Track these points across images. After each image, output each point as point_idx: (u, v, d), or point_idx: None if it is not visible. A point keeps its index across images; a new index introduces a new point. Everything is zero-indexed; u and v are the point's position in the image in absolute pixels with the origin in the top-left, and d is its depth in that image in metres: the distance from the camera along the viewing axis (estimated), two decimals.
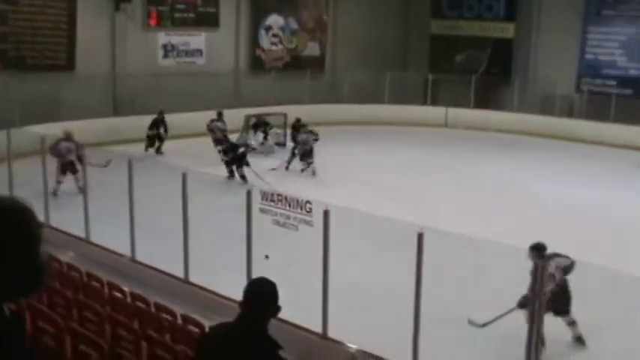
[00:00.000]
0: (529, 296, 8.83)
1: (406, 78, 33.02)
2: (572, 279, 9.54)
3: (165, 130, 23.47)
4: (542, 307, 7.97)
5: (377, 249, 13.44)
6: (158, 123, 23.43)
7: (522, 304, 9.26)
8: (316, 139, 21.32)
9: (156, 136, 23.45)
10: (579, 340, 9.91)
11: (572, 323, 9.85)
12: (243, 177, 19.44)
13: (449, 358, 9.52)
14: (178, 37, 27.88)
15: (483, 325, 9.65)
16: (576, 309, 9.75)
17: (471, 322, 9.69)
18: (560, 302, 9.54)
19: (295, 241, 10.43)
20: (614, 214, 17.73)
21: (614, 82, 30.24)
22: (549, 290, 8.96)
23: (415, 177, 20.80)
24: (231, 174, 19.76)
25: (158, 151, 23.35)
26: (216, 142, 22.34)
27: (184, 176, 11.23)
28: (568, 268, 9.49)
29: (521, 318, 8.82)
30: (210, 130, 22.99)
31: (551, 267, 9.17)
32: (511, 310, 9.38)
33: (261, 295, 4.26)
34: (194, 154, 21.57)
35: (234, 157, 19.94)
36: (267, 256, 11.12)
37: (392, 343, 8.92)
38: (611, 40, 30.52)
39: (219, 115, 23.20)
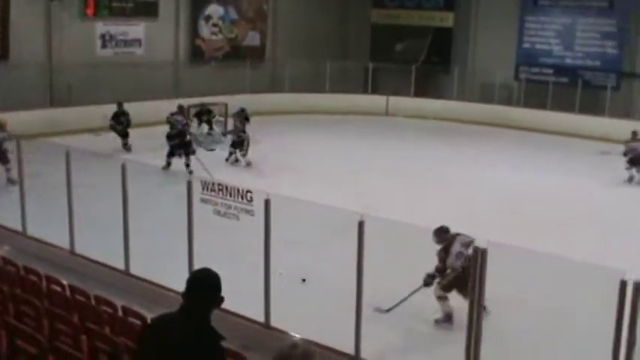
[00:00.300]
0: (435, 274, 9.99)
1: (347, 67, 33.11)
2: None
3: (127, 124, 22.49)
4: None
5: (318, 237, 13.47)
6: (119, 116, 22.44)
7: (427, 282, 10.06)
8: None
9: (118, 131, 22.40)
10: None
11: None
12: (188, 166, 19.26)
13: (390, 343, 9.58)
14: (117, 27, 27.39)
15: (388, 311, 9.95)
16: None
17: (376, 310, 9.92)
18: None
19: (237, 230, 10.35)
20: (550, 196, 18.09)
21: (550, 71, 30.81)
22: (460, 265, 9.75)
23: (356, 165, 20.85)
24: (168, 165, 19.50)
25: (125, 147, 22.23)
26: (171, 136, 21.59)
27: (124, 167, 11.07)
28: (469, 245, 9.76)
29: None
30: (170, 122, 21.92)
31: (457, 246, 9.89)
32: (417, 290, 9.95)
33: (204, 285, 4.22)
34: (139, 143, 21.34)
35: (181, 144, 19.65)
36: (281, 274, 10.63)
37: (335, 331, 8.95)
38: (547, 29, 31.08)
39: (180, 108, 22.52)
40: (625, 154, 20.63)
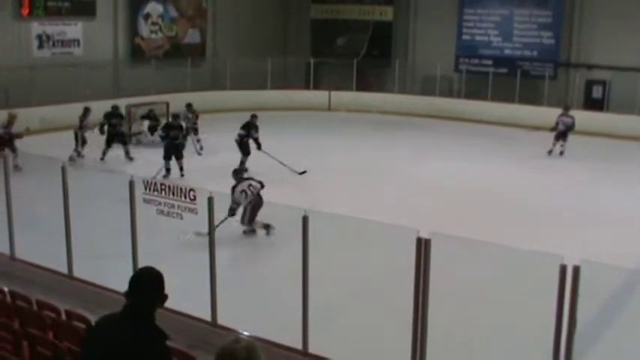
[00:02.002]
0: (233, 207, 13.02)
1: (288, 63, 33.14)
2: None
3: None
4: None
5: (261, 232, 13.50)
6: (112, 117, 21.31)
7: (229, 214, 12.90)
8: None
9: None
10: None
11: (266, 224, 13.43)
12: (182, 168, 19.21)
13: (339, 340, 9.62)
14: (53, 27, 26.90)
15: (198, 234, 11.09)
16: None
17: (196, 234, 11.22)
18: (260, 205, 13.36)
19: (180, 229, 10.30)
20: (491, 186, 18.34)
21: (490, 62, 31.21)
22: (245, 201, 13.22)
23: (299, 161, 20.84)
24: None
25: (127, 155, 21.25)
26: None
27: (64, 169, 10.90)
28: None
29: None
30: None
31: (244, 186, 13.37)
32: (224, 220, 12.13)
33: (147, 284, 4.20)
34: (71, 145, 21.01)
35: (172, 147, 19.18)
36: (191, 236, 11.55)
37: (283, 328, 8.95)
38: (486, 21, 31.47)
39: (189, 106, 22.28)
40: (552, 129, 22.19)
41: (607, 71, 28.57)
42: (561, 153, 22.53)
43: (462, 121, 27.86)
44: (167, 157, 18.96)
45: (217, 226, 10.27)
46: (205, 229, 9.59)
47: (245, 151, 20.14)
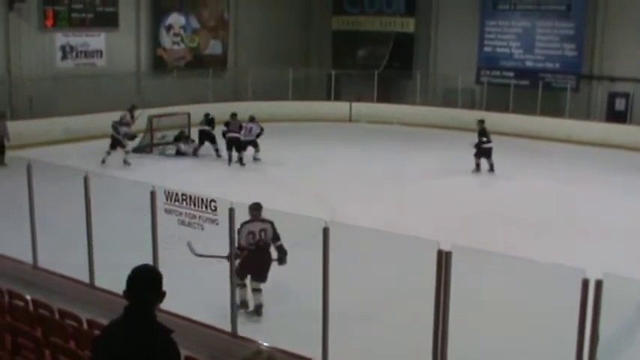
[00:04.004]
0: (237, 252, 9.90)
1: (309, 74, 33.21)
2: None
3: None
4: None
5: (285, 244, 13.46)
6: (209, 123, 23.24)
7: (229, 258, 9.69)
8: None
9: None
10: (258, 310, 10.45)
11: (258, 290, 10.43)
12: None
13: (359, 352, 9.59)
14: (77, 38, 27.15)
15: (198, 255, 10.02)
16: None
17: (189, 245, 9.95)
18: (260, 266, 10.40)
19: (202, 240, 10.31)
20: (513, 198, 18.24)
21: (511, 74, 31.11)
22: (247, 244, 10.22)
23: (320, 172, 20.89)
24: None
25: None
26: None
27: (86, 179, 10.96)
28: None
29: None
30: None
31: (256, 227, 10.32)
32: (222, 257, 9.76)
33: (145, 282, 4.22)
34: (102, 155, 21.17)
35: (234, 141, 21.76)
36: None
37: (303, 339, 8.94)
38: (507, 32, 31.39)
39: (234, 116, 22.74)
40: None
41: (630, 83, 28.40)
42: None
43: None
44: (229, 149, 21.85)
45: (207, 256, 10.12)
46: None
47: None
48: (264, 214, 10.49)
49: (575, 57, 29.84)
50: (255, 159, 22.30)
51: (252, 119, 22.62)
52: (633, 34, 28.06)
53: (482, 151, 21.43)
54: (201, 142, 23.09)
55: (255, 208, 10.46)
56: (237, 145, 21.97)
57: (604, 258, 12.08)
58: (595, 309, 6.65)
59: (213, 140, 22.87)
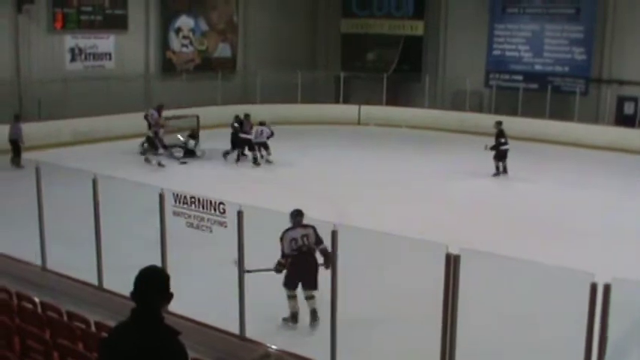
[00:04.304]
0: (280, 261, 10.00)
1: (318, 77, 33.22)
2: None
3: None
4: None
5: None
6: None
7: (278, 270, 10.03)
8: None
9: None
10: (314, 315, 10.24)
11: (311, 297, 10.21)
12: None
13: (367, 355, 9.58)
14: (86, 41, 27.25)
15: (247, 271, 9.57)
16: None
17: (235, 263, 9.53)
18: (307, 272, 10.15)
19: (210, 242, 10.32)
20: (522, 202, 18.21)
21: (520, 77, 31.05)
22: (290, 251, 10.04)
23: (329, 174, 20.90)
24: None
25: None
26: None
27: (95, 181, 10.99)
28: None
29: None
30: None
31: (298, 233, 10.11)
32: (269, 270, 9.90)
33: (152, 284, 4.22)
34: (110, 158, 21.24)
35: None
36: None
37: (311, 342, 8.95)
38: (516, 36, 31.33)
39: (247, 117, 23.43)
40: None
41: (639, 87, 28.30)
42: None
43: (492, 137, 27.66)
44: (240, 147, 22.65)
45: (255, 271, 9.79)
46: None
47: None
48: (270, 218, 10.45)
49: (584, 60, 29.76)
50: (268, 161, 22.36)
51: (262, 124, 22.67)
52: None
53: (501, 153, 21.35)
54: (235, 147, 23.07)
55: (297, 215, 10.32)
56: (249, 145, 22.48)
57: (614, 262, 12.05)
58: (603, 313, 6.63)
59: (250, 146, 22.93)
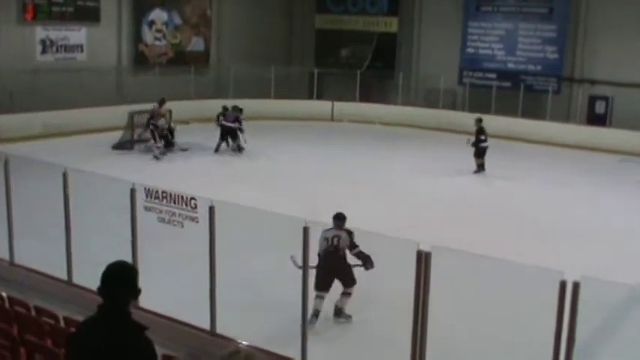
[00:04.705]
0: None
1: (292, 72, 33.19)
2: None
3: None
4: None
5: (264, 243, 13.42)
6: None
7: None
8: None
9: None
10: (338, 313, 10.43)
11: (346, 294, 10.35)
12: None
13: (337, 352, 9.59)
14: (57, 32, 26.95)
15: (300, 267, 9.46)
16: None
17: (292, 259, 9.63)
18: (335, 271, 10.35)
19: (181, 237, 10.27)
20: (494, 199, 18.31)
21: (493, 75, 31.20)
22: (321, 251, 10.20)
23: (302, 171, 20.88)
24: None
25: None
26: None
27: (65, 175, 10.89)
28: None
29: None
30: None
31: (330, 234, 10.33)
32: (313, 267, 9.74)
33: (119, 279, 4.18)
34: (82, 151, 21.06)
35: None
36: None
37: (283, 338, 8.93)
38: (490, 34, 31.48)
39: (235, 108, 23.97)
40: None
41: (610, 87, 28.56)
42: None
43: (465, 134, 27.78)
44: (224, 138, 23.32)
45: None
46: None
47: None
48: (245, 214, 10.43)
49: (556, 60, 29.98)
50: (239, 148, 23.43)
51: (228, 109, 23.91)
52: (614, 38, 28.24)
53: (481, 150, 21.47)
54: (223, 138, 23.66)
55: (336, 218, 10.56)
56: (232, 134, 23.22)
57: (584, 260, 12.16)
58: (572, 311, 6.68)
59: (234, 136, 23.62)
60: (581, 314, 6.71)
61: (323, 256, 10.25)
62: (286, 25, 35.58)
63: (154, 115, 22.69)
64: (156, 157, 21.80)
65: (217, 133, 23.45)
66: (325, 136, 27.33)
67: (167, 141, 22.98)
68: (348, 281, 10.34)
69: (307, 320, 8.64)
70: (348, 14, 34.45)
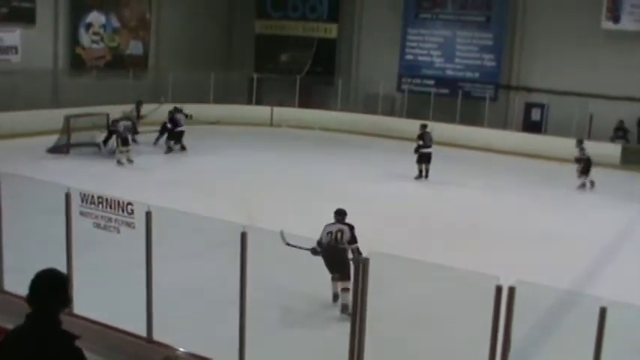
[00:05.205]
0: (315, 247, 10.91)
1: (231, 77, 33.04)
2: None
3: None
4: None
5: (202, 249, 13.32)
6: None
7: (313, 252, 10.94)
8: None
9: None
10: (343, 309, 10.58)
11: (346, 290, 10.44)
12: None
13: (272, 353, 9.55)
14: None
15: (287, 244, 10.53)
16: None
17: (281, 234, 10.47)
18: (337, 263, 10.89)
19: (118, 243, 10.11)
20: (430, 205, 18.47)
21: (432, 82, 31.56)
22: (326, 242, 10.95)
23: (240, 176, 20.79)
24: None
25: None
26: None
27: None
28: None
29: None
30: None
31: (334, 228, 11.07)
32: (306, 249, 10.83)
33: (49, 287, 4.10)
34: (15, 155, 20.62)
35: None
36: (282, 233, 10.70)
37: (220, 345, 8.85)
38: (428, 41, 31.86)
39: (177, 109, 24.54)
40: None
41: (545, 94, 29.14)
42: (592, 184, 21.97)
43: (404, 140, 27.99)
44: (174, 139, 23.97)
45: (295, 246, 10.62)
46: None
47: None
48: (183, 220, 10.33)
49: (493, 67, 30.48)
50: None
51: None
52: (549, 46, 28.85)
53: (421, 156, 21.66)
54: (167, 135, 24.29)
55: (338, 214, 11.40)
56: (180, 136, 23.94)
57: (519, 265, 12.33)
58: (508, 315, 6.75)
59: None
60: (517, 318, 6.79)
61: (325, 248, 10.95)
62: (226, 29, 35.47)
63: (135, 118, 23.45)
64: (118, 162, 21.39)
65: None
66: (264, 142, 27.30)
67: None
68: (346, 275, 10.42)
69: (245, 326, 8.56)
70: (288, 19, 34.50)
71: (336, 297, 10.88)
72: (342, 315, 10.47)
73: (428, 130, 22.15)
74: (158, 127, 24.70)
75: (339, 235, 10.99)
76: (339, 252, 10.89)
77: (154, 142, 24.77)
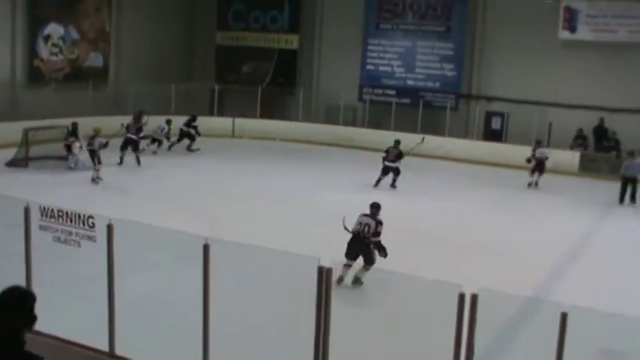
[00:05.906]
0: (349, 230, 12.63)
1: (192, 89, 32.92)
2: None
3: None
4: None
5: (164, 261, 13.22)
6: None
7: (347, 230, 12.68)
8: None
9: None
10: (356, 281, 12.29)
11: (365, 269, 12.14)
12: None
13: None
14: None
15: (345, 228, 12.56)
16: None
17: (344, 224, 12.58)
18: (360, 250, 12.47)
19: (80, 257, 9.99)
20: (390, 214, 18.50)
21: (393, 92, 31.72)
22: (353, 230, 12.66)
23: (202, 187, 20.71)
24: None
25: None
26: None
27: None
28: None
29: None
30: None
31: (363, 220, 12.77)
32: (346, 229, 12.68)
33: (14, 306, 3.98)
34: None
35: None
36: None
37: (182, 358, 8.79)
38: (389, 52, 32.05)
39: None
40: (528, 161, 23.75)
41: (505, 103, 29.47)
42: (536, 184, 23.66)
43: (365, 150, 28.12)
44: (124, 148, 23.28)
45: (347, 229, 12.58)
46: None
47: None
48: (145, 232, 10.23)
49: (454, 77, 30.74)
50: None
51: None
52: (509, 56, 29.21)
53: (384, 168, 22.21)
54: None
55: (373, 207, 13.04)
56: (133, 145, 23.32)
57: (481, 273, 12.42)
58: (471, 322, 6.79)
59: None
60: (480, 326, 6.83)
61: (353, 236, 12.53)
62: (187, 41, 35.34)
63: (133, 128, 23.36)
64: (94, 180, 20.94)
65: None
66: (226, 152, 27.21)
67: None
68: (369, 260, 12.28)
69: (208, 340, 8.50)
70: (250, 31, 34.51)
71: (340, 280, 11.74)
72: (354, 285, 12.04)
73: (399, 147, 22.43)
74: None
75: (366, 228, 12.53)
76: (363, 241, 12.44)
77: (168, 148, 26.30)
